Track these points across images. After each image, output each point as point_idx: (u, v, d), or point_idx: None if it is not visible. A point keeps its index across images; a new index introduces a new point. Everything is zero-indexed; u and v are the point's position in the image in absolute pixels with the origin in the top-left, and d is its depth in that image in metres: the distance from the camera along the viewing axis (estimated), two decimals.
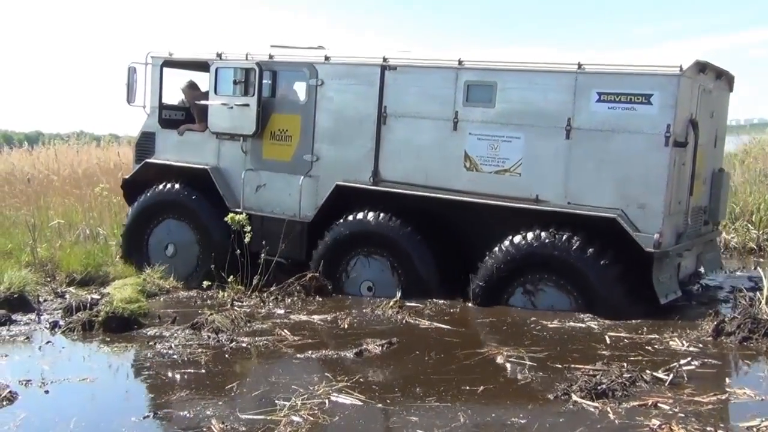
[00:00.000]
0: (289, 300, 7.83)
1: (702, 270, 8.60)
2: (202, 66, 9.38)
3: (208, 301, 7.99)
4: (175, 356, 6.03)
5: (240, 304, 7.63)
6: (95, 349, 6.38)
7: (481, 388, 5.19)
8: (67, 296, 8.34)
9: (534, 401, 4.92)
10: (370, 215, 8.07)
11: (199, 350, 6.14)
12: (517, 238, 7.32)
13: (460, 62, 7.64)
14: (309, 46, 8.99)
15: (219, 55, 9.00)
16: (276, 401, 4.89)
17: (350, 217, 8.18)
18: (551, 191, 7.27)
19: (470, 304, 7.50)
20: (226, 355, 6.07)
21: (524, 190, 7.39)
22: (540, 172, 7.32)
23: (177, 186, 9.37)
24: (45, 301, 8.20)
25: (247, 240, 7.99)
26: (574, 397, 4.85)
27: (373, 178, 8.14)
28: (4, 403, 4.97)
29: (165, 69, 9.63)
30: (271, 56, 8.75)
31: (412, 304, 7.51)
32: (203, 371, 5.69)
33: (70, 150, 16.74)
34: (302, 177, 8.54)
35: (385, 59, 8.02)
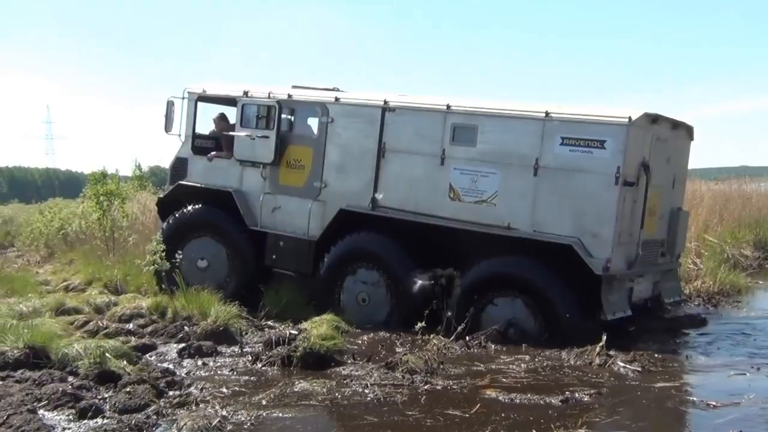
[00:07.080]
0: (494, 346, 7.91)
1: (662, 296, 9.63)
2: (230, 102, 10.75)
3: (400, 342, 8.20)
4: (370, 396, 6.08)
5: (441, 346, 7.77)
6: (295, 384, 6.41)
7: None
8: (266, 330, 8.68)
9: None
10: (366, 236, 9.27)
11: (394, 391, 6.19)
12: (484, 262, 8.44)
13: (448, 107, 8.89)
14: (325, 87, 10.34)
15: (245, 93, 10.38)
16: None
17: (349, 237, 9.38)
18: (520, 220, 8.43)
19: (676, 358, 7.56)
20: (422, 398, 6.06)
21: (498, 218, 8.55)
22: (511, 204, 8.48)
23: (204, 206, 10.60)
24: (246, 334, 8.49)
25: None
26: None
27: (372, 204, 9.37)
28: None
29: (199, 103, 11.02)
30: (289, 96, 10.10)
31: (616, 351, 7.40)
32: (401, 412, 5.73)
33: None
34: (312, 201, 9.80)
35: (385, 102, 9.31)
